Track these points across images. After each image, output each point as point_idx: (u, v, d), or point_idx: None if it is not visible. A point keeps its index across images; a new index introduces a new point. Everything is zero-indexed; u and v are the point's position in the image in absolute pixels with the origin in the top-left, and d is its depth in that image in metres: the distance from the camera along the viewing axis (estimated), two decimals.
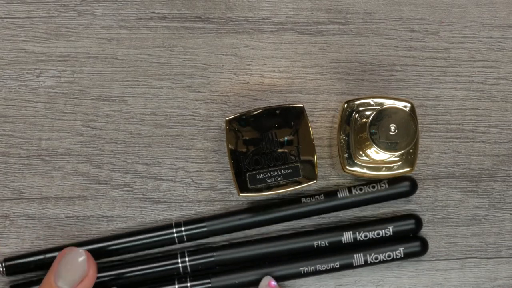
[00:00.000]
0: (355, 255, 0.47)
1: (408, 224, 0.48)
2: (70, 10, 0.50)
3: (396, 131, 0.43)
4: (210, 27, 0.50)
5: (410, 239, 0.48)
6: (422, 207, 0.50)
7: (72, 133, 0.49)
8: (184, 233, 0.48)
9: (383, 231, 0.47)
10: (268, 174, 0.45)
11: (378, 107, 0.46)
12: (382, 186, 0.47)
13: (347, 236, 0.47)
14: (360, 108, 0.47)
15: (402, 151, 0.44)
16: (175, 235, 0.48)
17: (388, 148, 0.43)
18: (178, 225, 0.48)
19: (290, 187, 0.45)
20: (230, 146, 0.45)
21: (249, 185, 0.45)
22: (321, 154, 0.49)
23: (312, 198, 0.48)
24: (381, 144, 0.43)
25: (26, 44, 0.50)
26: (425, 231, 0.50)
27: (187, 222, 0.48)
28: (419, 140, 0.48)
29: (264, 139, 0.45)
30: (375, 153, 0.45)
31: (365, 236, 0.47)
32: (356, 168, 0.47)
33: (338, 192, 0.48)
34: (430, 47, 0.50)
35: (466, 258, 0.50)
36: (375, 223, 0.48)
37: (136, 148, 0.49)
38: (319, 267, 0.47)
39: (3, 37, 0.50)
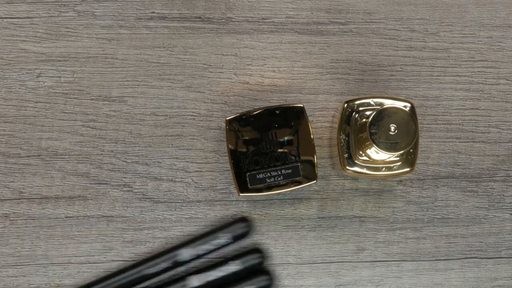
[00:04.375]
0: None
1: (255, 258, 0.48)
2: (70, 10, 0.50)
3: (396, 131, 0.43)
4: (210, 27, 0.50)
5: (258, 274, 0.48)
6: (422, 207, 0.50)
7: (72, 133, 0.49)
8: None
9: (226, 268, 0.47)
10: (268, 174, 0.45)
11: (378, 107, 0.46)
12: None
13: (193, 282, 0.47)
14: (360, 108, 0.47)
15: (402, 151, 0.44)
16: None
17: (388, 148, 0.43)
18: None
19: (290, 187, 0.45)
20: (230, 146, 0.45)
21: (249, 185, 0.45)
22: (321, 154, 0.49)
23: None
24: (381, 144, 0.43)
25: (26, 44, 0.50)
26: (425, 231, 0.50)
27: None
28: (419, 140, 0.48)
29: (264, 139, 0.45)
30: (375, 153, 0.45)
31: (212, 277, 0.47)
32: (356, 168, 0.47)
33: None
34: (430, 47, 0.50)
35: (466, 258, 0.50)
36: (219, 264, 0.48)
37: (136, 148, 0.49)
38: None
39: (3, 37, 0.50)
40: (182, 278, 0.48)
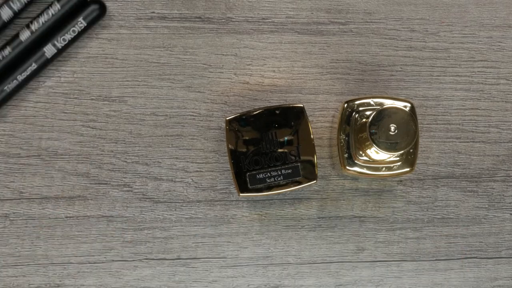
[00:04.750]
0: (44, 48, 0.47)
1: None
2: None
3: (396, 131, 0.43)
4: (210, 27, 0.50)
5: (87, 6, 0.48)
6: (422, 207, 0.50)
7: (72, 133, 0.49)
8: None
9: (51, 10, 0.47)
10: (268, 174, 0.45)
11: (378, 107, 0.46)
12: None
13: (25, 35, 0.47)
14: (360, 108, 0.47)
15: (402, 151, 0.44)
16: None
17: (388, 148, 0.43)
18: None
19: (290, 187, 0.45)
20: (230, 146, 0.45)
21: (249, 185, 0.45)
22: (321, 154, 0.49)
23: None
24: (381, 144, 0.43)
25: None
26: (425, 231, 0.50)
27: None
28: (419, 140, 0.48)
29: (264, 139, 0.45)
30: (375, 153, 0.45)
31: (40, 24, 0.47)
32: (356, 168, 0.47)
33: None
34: (430, 47, 0.50)
35: (466, 258, 0.50)
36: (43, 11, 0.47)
37: (136, 148, 0.49)
38: (19, 76, 0.47)
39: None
40: (15, 35, 0.47)
